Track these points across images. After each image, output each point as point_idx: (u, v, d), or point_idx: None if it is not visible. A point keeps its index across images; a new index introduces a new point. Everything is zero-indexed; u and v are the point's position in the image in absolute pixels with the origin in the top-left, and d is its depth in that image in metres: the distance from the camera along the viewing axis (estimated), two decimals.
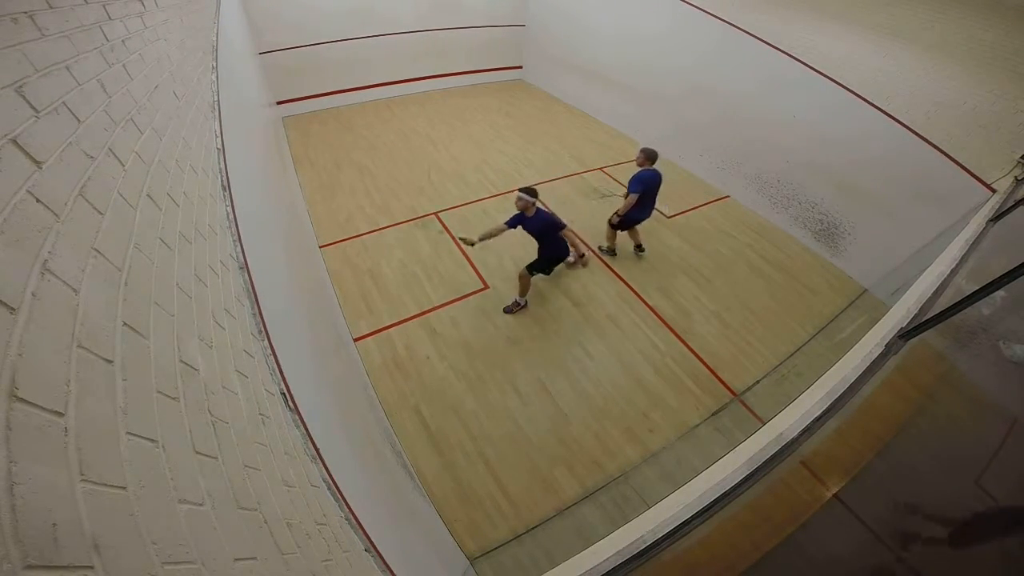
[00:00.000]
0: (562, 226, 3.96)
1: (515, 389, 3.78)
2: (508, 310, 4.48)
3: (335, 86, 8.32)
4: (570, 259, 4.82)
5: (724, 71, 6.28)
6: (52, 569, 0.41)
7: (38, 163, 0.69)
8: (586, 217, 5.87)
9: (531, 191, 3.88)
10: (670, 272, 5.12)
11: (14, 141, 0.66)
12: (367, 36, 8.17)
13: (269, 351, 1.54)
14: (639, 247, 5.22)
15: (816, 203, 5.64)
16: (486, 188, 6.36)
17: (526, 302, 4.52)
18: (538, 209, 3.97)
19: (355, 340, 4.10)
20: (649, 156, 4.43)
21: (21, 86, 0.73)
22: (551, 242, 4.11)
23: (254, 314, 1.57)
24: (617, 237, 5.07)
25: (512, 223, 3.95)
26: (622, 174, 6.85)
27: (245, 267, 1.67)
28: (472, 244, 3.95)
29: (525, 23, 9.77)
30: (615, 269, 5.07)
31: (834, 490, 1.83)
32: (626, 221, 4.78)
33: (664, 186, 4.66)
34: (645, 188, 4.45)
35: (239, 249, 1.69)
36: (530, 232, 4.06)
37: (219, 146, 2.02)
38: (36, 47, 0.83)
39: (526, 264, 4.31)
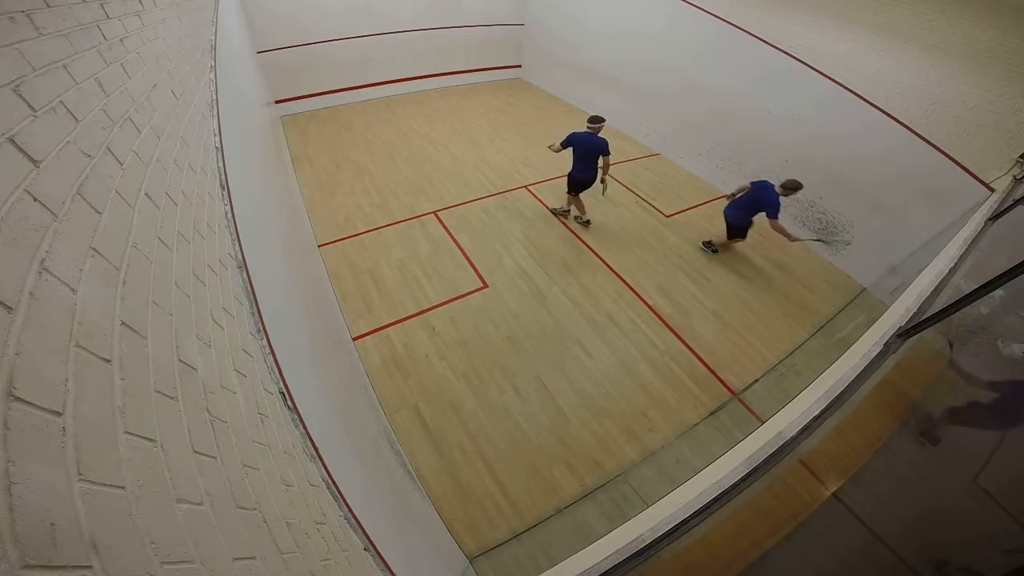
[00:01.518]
0: (606, 153, 4.81)
1: (514, 388, 3.78)
2: (553, 211, 5.64)
3: (334, 85, 8.31)
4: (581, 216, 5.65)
5: (723, 70, 6.28)
6: (50, 569, 0.41)
7: (36, 162, 0.69)
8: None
9: (595, 119, 4.76)
10: (669, 271, 5.12)
11: (12, 140, 0.66)
12: (366, 35, 8.15)
13: (268, 350, 1.54)
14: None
15: (815, 202, 5.64)
16: (485, 187, 6.35)
17: (567, 211, 5.58)
18: (593, 133, 4.78)
19: (354, 339, 4.10)
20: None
21: (19, 85, 0.73)
22: (580, 162, 4.92)
23: (253, 313, 1.57)
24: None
25: (566, 143, 4.85)
26: (622, 174, 6.85)
27: (244, 266, 1.67)
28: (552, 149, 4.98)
29: (524, 22, 9.76)
30: (614, 268, 5.07)
31: (833, 489, 1.84)
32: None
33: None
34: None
35: (238, 248, 1.68)
36: (576, 147, 4.86)
37: (217, 145, 2.02)
38: (34, 46, 0.83)
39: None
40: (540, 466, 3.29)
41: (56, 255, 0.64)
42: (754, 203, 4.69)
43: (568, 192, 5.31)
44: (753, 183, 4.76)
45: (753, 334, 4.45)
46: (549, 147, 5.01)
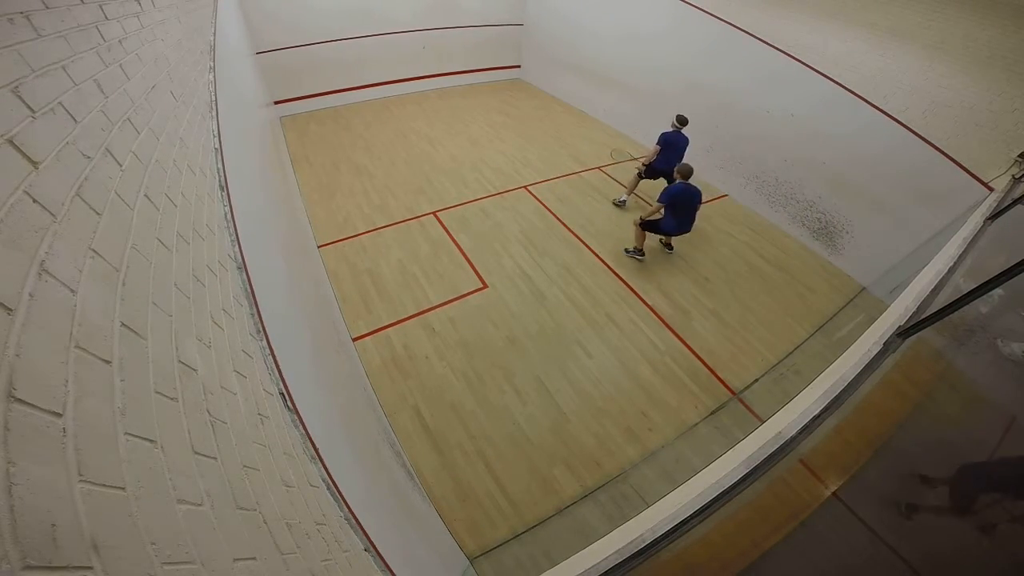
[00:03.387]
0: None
1: (514, 388, 3.78)
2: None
3: (333, 86, 8.31)
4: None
5: (722, 70, 6.28)
6: (51, 570, 0.41)
7: (35, 163, 0.69)
8: (583, 216, 5.87)
9: (680, 119, 5.52)
10: (669, 271, 5.13)
11: (10, 141, 0.66)
12: (365, 36, 8.16)
13: (268, 351, 1.54)
14: (668, 246, 5.52)
15: (814, 202, 5.65)
16: (484, 188, 6.36)
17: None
18: (679, 132, 5.51)
19: (354, 340, 4.10)
20: (681, 172, 4.60)
21: (17, 86, 0.73)
22: (664, 155, 5.57)
23: (252, 314, 1.57)
24: (646, 240, 5.18)
25: (660, 142, 5.59)
26: (621, 173, 6.86)
27: (243, 267, 1.67)
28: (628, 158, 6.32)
29: (523, 22, 9.76)
30: (614, 268, 5.08)
31: (833, 488, 1.84)
32: (653, 227, 4.97)
33: (663, 184, 4.67)
34: (671, 201, 4.65)
35: (237, 249, 1.68)
36: (667, 144, 5.55)
37: (216, 146, 2.02)
38: (32, 47, 0.83)
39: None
40: (540, 466, 3.29)
41: (56, 256, 0.64)
42: (689, 206, 4.79)
43: (641, 176, 5.87)
44: (669, 192, 4.72)
45: (753, 334, 4.45)
46: (642, 161, 5.87)
